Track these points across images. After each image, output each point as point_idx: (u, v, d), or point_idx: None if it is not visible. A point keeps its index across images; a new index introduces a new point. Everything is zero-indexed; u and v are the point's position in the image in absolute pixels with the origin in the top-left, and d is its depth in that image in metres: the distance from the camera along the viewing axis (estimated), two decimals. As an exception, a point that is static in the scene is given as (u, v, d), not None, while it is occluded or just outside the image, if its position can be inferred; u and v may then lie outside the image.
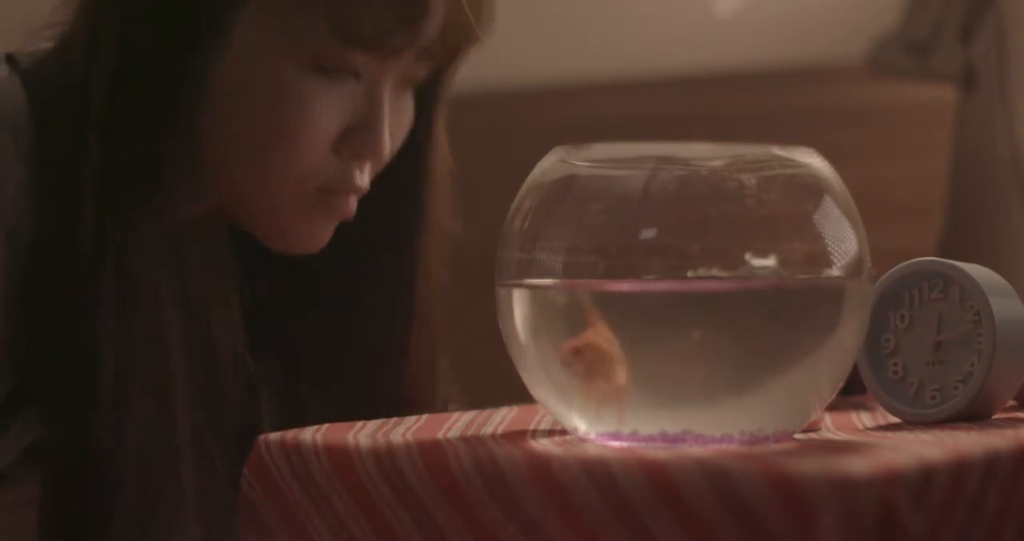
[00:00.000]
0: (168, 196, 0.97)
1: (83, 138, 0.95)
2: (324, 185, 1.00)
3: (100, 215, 0.95)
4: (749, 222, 0.82)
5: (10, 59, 1.00)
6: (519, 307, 0.85)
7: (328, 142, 0.98)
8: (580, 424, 0.84)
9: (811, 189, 0.83)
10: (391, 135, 1.01)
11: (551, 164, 0.86)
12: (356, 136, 0.99)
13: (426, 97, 1.06)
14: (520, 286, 0.84)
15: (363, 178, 1.01)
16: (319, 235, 1.02)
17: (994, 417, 0.95)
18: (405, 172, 1.07)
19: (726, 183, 0.83)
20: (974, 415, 0.93)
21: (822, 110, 2.27)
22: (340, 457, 0.86)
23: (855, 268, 0.83)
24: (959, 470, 0.77)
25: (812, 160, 0.84)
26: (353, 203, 1.02)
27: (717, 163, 0.83)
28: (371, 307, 1.09)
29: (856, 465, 0.73)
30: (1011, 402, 1.00)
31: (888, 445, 0.82)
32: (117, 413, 0.95)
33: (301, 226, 1.01)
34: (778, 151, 0.84)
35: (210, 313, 1.06)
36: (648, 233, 0.81)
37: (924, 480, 0.74)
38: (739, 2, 2.34)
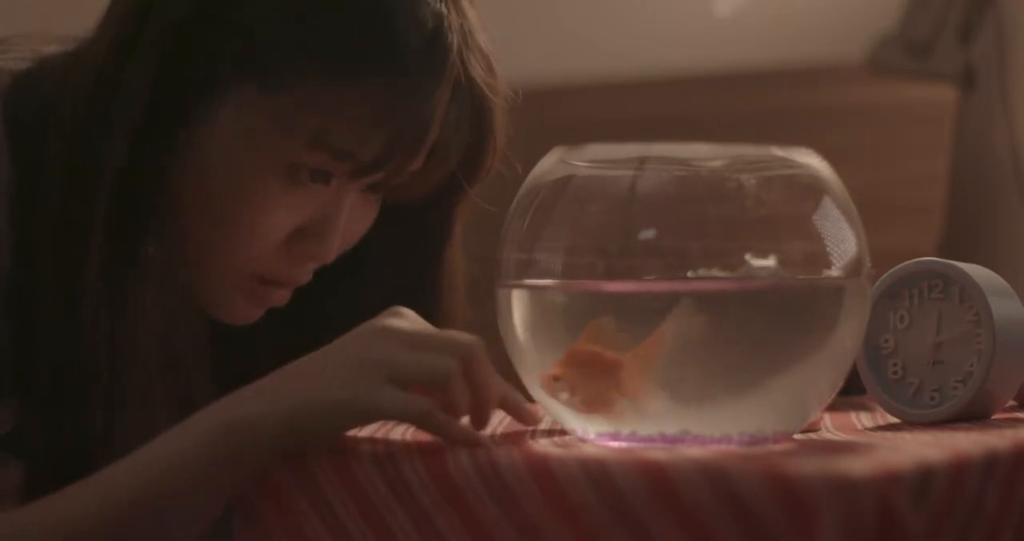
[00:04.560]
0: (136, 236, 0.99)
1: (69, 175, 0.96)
2: (264, 275, 1.00)
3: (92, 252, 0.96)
4: (748, 222, 0.82)
5: None
6: (519, 307, 0.85)
7: (277, 241, 0.99)
8: (579, 425, 0.84)
9: (810, 189, 0.83)
10: (347, 234, 1.01)
11: (551, 164, 0.86)
12: (307, 238, 0.99)
13: (446, 207, 1.07)
14: (520, 287, 0.84)
15: (303, 275, 1.02)
16: (248, 315, 1.03)
17: (993, 417, 0.95)
18: (417, 275, 1.07)
19: (725, 183, 0.83)
20: (973, 415, 0.93)
21: (822, 110, 2.26)
22: (339, 457, 0.86)
23: (854, 268, 0.83)
24: (958, 470, 0.77)
25: (811, 160, 0.84)
26: (287, 293, 1.03)
27: (716, 163, 0.83)
28: None
29: (855, 465, 0.73)
30: (1011, 402, 1.00)
31: (887, 445, 0.82)
32: (106, 415, 0.96)
33: (233, 305, 1.02)
34: (777, 151, 0.84)
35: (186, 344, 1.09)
36: (648, 233, 0.81)
37: (923, 480, 0.74)
38: (739, 2, 2.34)
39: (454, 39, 0.97)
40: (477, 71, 0.99)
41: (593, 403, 0.81)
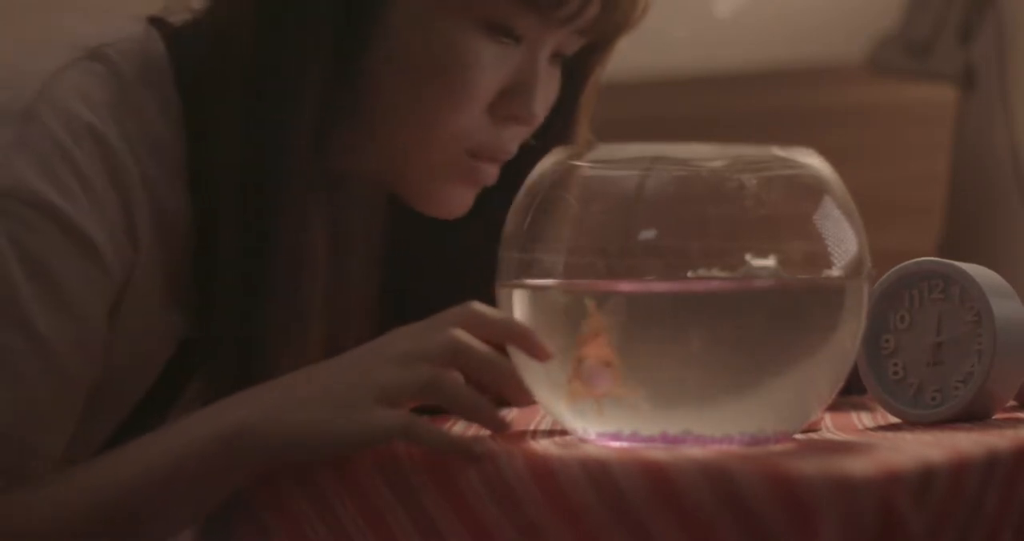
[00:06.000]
0: (330, 147, 0.99)
1: (240, 93, 0.97)
2: (474, 148, 1.01)
3: (271, 167, 0.97)
4: (749, 223, 0.82)
5: (157, 22, 1.01)
6: (519, 308, 0.85)
7: (485, 102, 1.00)
8: (580, 424, 0.84)
9: (811, 189, 0.83)
10: (543, 101, 1.03)
11: (551, 164, 0.86)
12: (511, 99, 1.01)
13: (575, 84, 1.08)
14: (520, 287, 0.84)
15: (512, 143, 1.03)
16: (462, 200, 1.04)
17: (994, 417, 0.95)
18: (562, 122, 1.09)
19: (726, 184, 0.83)
20: (974, 415, 0.93)
21: (822, 110, 2.27)
22: (339, 457, 0.86)
23: (855, 268, 0.83)
24: (959, 470, 0.77)
25: (812, 160, 0.84)
26: (496, 171, 1.04)
27: (717, 164, 0.83)
28: None
29: (856, 466, 0.73)
30: (1011, 402, 1.00)
31: (888, 446, 0.82)
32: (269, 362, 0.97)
33: (447, 189, 1.03)
34: (778, 152, 0.84)
35: (355, 275, 1.10)
36: (648, 234, 0.81)
37: (924, 480, 0.74)
38: (739, 2, 2.34)
39: None
40: None
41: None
